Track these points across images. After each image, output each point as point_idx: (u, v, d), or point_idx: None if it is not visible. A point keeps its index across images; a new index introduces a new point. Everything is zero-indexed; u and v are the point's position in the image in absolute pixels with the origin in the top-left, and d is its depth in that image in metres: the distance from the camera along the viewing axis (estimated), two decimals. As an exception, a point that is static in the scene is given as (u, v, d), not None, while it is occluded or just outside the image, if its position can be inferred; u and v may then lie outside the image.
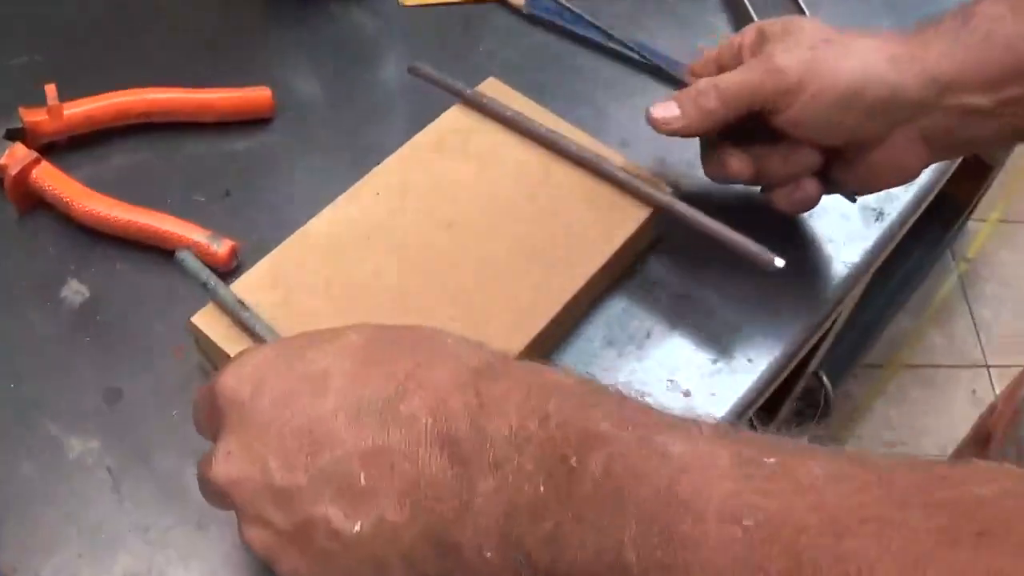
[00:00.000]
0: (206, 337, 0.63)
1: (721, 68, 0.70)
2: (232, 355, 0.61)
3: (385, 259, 0.67)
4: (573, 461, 0.39)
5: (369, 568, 0.44)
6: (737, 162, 0.68)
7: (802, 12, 0.91)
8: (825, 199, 0.71)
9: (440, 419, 0.43)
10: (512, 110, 0.73)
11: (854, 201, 0.72)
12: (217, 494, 0.48)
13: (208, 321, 0.63)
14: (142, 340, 0.69)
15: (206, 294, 0.63)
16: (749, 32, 0.70)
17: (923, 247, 1.84)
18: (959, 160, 0.89)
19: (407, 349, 0.47)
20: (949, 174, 0.86)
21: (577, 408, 0.41)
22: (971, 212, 1.95)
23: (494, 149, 0.73)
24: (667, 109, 0.68)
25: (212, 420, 0.50)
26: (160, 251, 0.72)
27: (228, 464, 0.47)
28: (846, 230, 0.78)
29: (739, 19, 0.92)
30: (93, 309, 0.71)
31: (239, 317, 0.62)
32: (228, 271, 0.71)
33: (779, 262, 0.65)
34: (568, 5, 0.88)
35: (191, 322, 0.63)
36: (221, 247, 0.70)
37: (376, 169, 0.71)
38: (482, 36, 0.73)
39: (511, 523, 0.40)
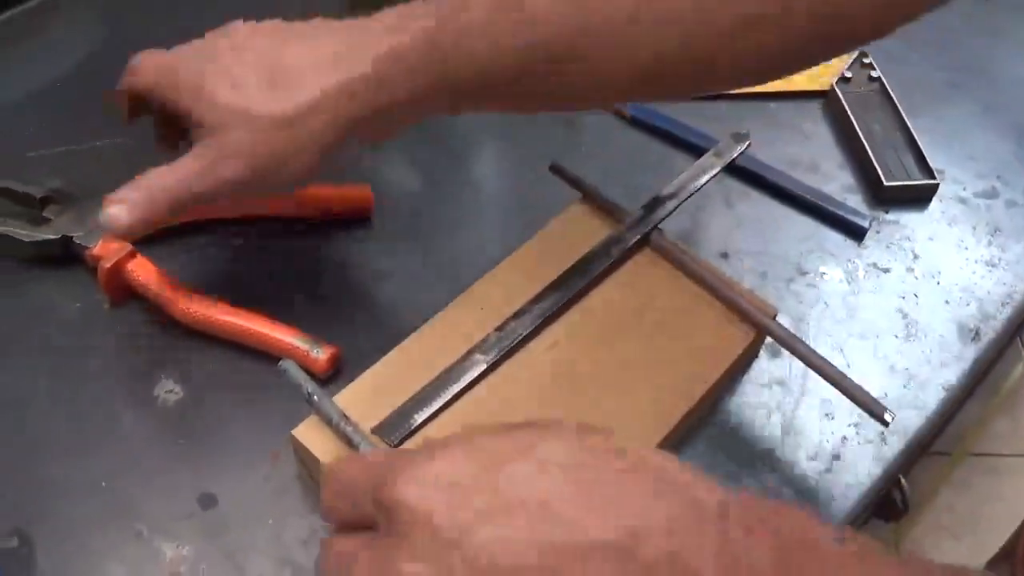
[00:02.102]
0: (307, 450, 0.62)
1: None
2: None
3: (489, 378, 0.66)
4: None
5: None
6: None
7: (902, 118, 0.90)
8: (922, 324, 0.69)
9: (679, 565, 0.39)
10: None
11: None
12: None
13: (309, 434, 0.62)
14: (237, 443, 0.68)
15: (308, 405, 0.63)
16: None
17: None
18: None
19: (622, 485, 0.41)
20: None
21: None
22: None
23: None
24: (118, 217, 0.63)
25: (364, 518, 0.45)
26: (256, 351, 0.71)
27: None
28: (942, 351, 0.76)
29: (841, 125, 0.91)
30: (187, 410, 0.70)
31: (342, 431, 0.61)
32: (327, 378, 0.70)
33: (889, 416, 0.64)
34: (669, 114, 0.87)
35: (292, 435, 0.63)
36: (322, 354, 0.69)
37: (480, 280, 0.70)
38: (583, 136, 0.73)
39: None
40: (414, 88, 0.61)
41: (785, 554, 0.39)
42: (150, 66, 0.65)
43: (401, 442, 0.62)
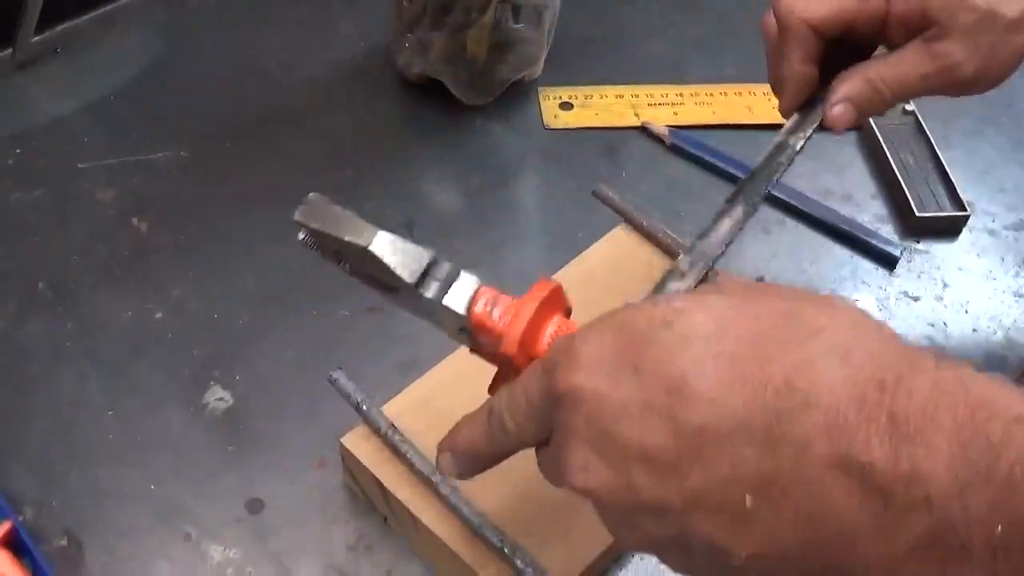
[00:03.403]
0: (355, 459, 0.64)
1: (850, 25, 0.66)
2: (380, 478, 0.63)
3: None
4: None
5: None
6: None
7: (934, 150, 0.91)
8: (951, 352, 0.73)
9: (841, 441, 0.36)
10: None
11: None
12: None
13: (358, 443, 0.64)
14: (285, 450, 0.70)
15: (357, 414, 0.64)
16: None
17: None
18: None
19: (778, 344, 0.39)
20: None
21: None
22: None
23: (641, 285, 0.73)
24: (846, 114, 0.66)
25: (543, 418, 0.45)
26: (301, 360, 0.73)
27: (586, 476, 0.42)
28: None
29: (875, 157, 0.93)
30: (236, 417, 0.72)
31: (390, 440, 0.63)
32: None
33: None
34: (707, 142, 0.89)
35: (341, 443, 0.64)
36: None
37: (527, 298, 0.72)
38: (624, 163, 0.75)
39: (952, 562, 0.34)
40: None
41: (962, 409, 0.35)
42: None
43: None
